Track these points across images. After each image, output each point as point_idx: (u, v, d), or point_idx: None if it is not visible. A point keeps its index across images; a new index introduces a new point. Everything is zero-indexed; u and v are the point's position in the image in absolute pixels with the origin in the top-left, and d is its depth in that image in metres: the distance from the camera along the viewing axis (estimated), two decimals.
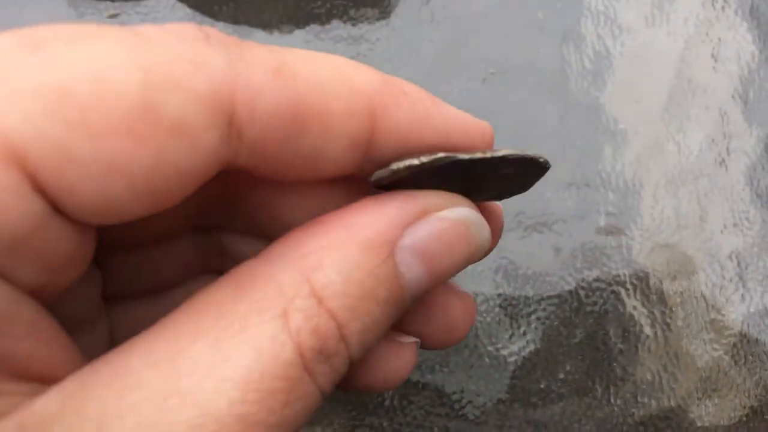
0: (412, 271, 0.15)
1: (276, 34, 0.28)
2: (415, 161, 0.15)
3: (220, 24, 0.28)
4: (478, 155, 0.15)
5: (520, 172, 0.16)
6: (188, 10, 0.28)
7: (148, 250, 0.16)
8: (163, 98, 0.11)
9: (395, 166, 0.15)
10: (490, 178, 0.16)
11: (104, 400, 0.12)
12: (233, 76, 0.12)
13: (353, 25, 0.29)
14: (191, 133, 0.12)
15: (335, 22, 0.29)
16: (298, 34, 0.28)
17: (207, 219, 0.17)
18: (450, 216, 0.15)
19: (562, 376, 0.26)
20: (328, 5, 0.29)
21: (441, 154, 0.15)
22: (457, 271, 0.16)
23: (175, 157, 0.12)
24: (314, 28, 0.28)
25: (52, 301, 0.13)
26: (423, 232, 0.15)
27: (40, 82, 0.11)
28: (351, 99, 0.14)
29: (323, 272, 0.14)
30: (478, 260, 0.17)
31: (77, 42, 0.11)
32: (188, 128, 0.12)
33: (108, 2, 0.29)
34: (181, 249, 0.17)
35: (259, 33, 0.28)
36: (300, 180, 0.15)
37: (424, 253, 0.15)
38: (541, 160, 0.16)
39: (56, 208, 0.11)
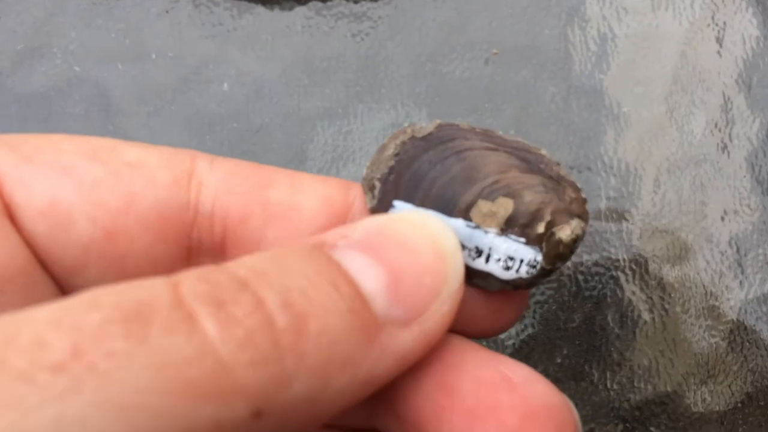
0: (353, 256, 0.12)
1: (276, 10, 0.28)
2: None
3: None
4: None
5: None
6: None
7: None
8: (130, 147, 0.14)
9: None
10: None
11: None
12: (196, 151, 0.14)
13: (355, 2, 0.28)
14: (146, 167, 0.14)
15: None
16: (299, 10, 0.28)
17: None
18: (386, 216, 0.14)
19: (559, 360, 0.26)
20: None
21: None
22: (435, 269, 0.13)
23: (128, 179, 0.13)
24: (316, 4, 0.28)
25: None
26: (358, 233, 0.13)
27: None
28: (320, 176, 0.15)
29: (234, 261, 0.12)
30: (457, 257, 0.14)
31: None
32: (144, 164, 0.14)
33: None
34: None
35: (260, 9, 0.28)
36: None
37: (364, 244, 0.13)
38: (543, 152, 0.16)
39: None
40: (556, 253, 0.14)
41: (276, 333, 0.10)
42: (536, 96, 0.28)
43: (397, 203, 0.15)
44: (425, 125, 0.15)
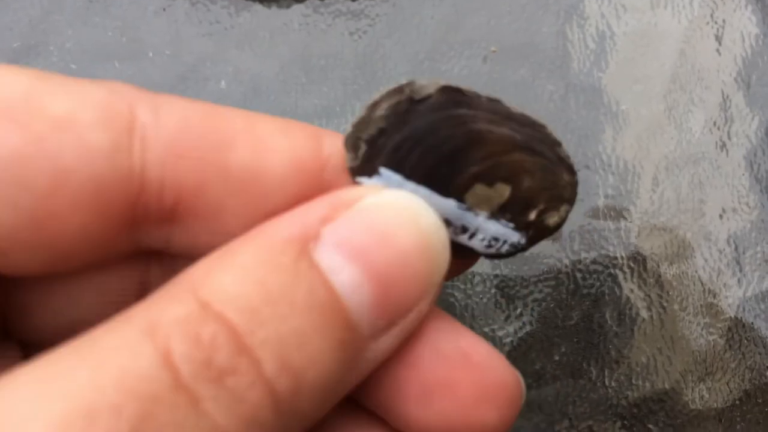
0: (342, 268, 0.11)
1: (274, 8, 0.28)
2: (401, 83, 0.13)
3: None
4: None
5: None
6: None
7: (68, 283, 0.13)
8: (50, 93, 0.11)
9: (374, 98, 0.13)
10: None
11: None
12: (135, 91, 0.12)
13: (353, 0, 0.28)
14: (76, 128, 0.11)
15: None
16: (297, 8, 0.28)
17: (145, 241, 0.14)
18: (376, 200, 0.13)
19: (557, 357, 0.26)
20: None
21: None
22: (424, 276, 0.12)
23: (55, 149, 0.11)
24: (313, 2, 0.28)
25: None
26: (345, 225, 0.12)
27: None
28: (286, 123, 0.13)
29: (212, 278, 0.11)
30: (445, 256, 0.13)
31: None
32: (73, 123, 0.11)
33: None
34: (114, 281, 0.14)
35: (257, 6, 0.28)
36: (246, 219, 0.12)
37: (350, 245, 0.12)
38: (552, 134, 0.14)
39: None
40: (540, 236, 0.15)
41: (278, 402, 0.10)
42: (534, 94, 0.28)
43: (384, 171, 0.14)
44: (425, 83, 0.14)
